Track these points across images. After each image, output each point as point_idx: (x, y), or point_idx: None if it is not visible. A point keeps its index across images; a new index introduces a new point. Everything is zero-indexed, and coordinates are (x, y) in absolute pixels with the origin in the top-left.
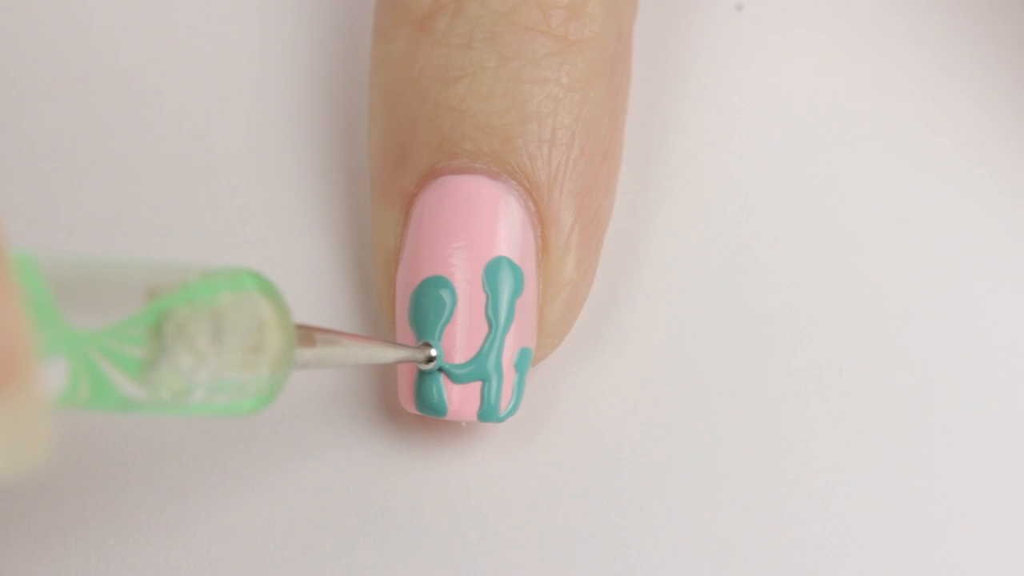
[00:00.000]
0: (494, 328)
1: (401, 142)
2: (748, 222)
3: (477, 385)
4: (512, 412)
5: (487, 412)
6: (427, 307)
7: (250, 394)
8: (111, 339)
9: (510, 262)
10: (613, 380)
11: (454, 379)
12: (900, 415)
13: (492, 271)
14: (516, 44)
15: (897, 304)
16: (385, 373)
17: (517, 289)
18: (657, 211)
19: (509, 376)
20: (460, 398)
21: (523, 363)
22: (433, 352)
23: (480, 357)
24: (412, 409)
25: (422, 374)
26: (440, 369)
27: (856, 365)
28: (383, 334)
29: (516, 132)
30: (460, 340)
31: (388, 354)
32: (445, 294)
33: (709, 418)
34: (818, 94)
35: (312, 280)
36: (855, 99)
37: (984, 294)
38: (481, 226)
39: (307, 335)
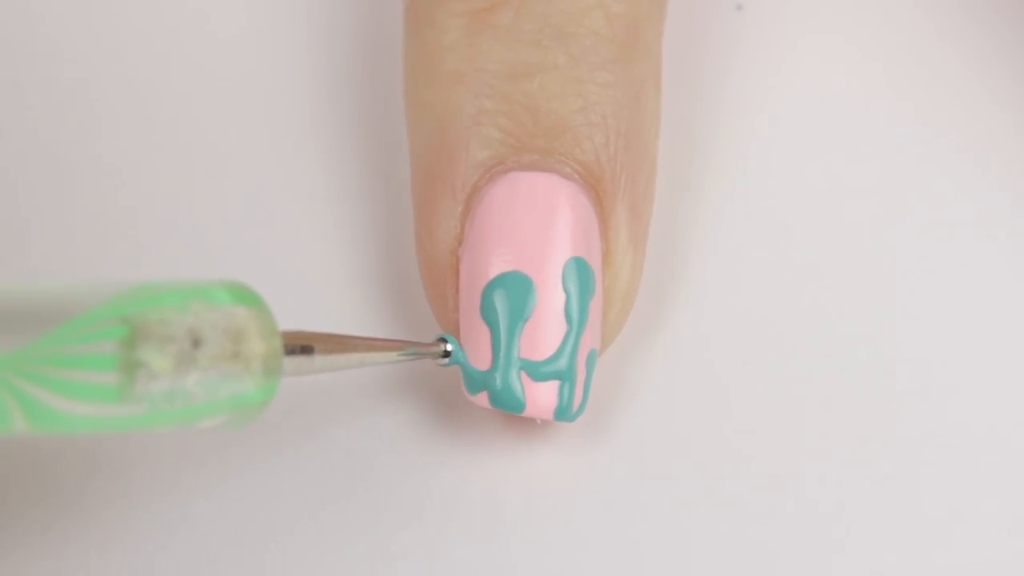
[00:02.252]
0: (572, 327)
1: (460, 134)
2: (745, 222)
3: (555, 383)
4: (581, 412)
5: (562, 411)
6: (507, 303)
7: (242, 400)
8: (33, 361)
9: (586, 263)
10: (624, 380)
11: (534, 376)
12: (900, 414)
13: (570, 271)
14: (585, 46)
15: (897, 303)
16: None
17: (590, 289)
18: (657, 211)
19: (581, 376)
20: (540, 395)
21: (591, 364)
22: (450, 347)
23: (560, 355)
24: (483, 403)
25: (503, 370)
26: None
27: (855, 364)
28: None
29: (586, 134)
30: (541, 337)
31: (399, 355)
32: (526, 290)
33: (702, 417)
34: (818, 94)
35: (318, 276)
36: (855, 99)
37: (985, 294)
38: (560, 225)
39: (305, 342)
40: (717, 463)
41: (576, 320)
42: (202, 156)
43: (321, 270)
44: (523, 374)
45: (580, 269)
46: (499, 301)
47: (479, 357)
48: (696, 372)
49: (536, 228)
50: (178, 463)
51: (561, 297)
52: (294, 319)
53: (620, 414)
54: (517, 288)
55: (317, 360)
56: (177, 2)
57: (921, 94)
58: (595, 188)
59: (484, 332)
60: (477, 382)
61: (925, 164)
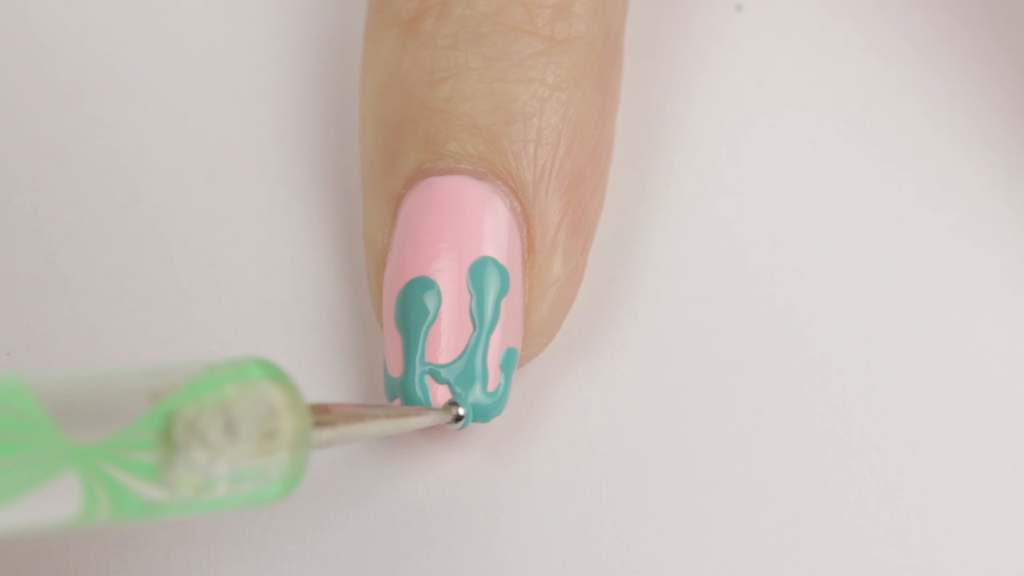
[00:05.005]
0: (479, 328)
1: (388, 144)
2: (746, 222)
3: None
4: (497, 412)
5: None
6: (412, 308)
7: (274, 479)
8: (120, 448)
9: (495, 262)
10: (606, 379)
11: (439, 379)
12: (899, 415)
13: (477, 271)
14: (501, 44)
15: (896, 303)
16: (374, 376)
17: (503, 289)
18: (656, 210)
19: (494, 376)
20: (445, 398)
21: (509, 363)
22: (462, 411)
23: (465, 357)
24: None
25: (407, 375)
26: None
27: (855, 365)
28: (377, 336)
29: (501, 132)
30: (444, 340)
31: (413, 421)
32: (430, 295)
33: (705, 417)
34: (817, 94)
35: (308, 283)
36: (855, 99)
37: (983, 293)
38: (466, 226)
39: (324, 413)
40: (712, 463)
41: (483, 320)
42: (192, 160)
43: (314, 273)
44: (429, 378)
45: (489, 269)
46: (407, 307)
47: (393, 364)
48: (688, 373)
49: (444, 232)
50: None
51: (466, 298)
52: (289, 320)
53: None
54: (423, 293)
55: (338, 432)
56: (168, 6)
57: (921, 94)
58: (510, 185)
59: (396, 339)
60: (392, 389)
61: (924, 163)
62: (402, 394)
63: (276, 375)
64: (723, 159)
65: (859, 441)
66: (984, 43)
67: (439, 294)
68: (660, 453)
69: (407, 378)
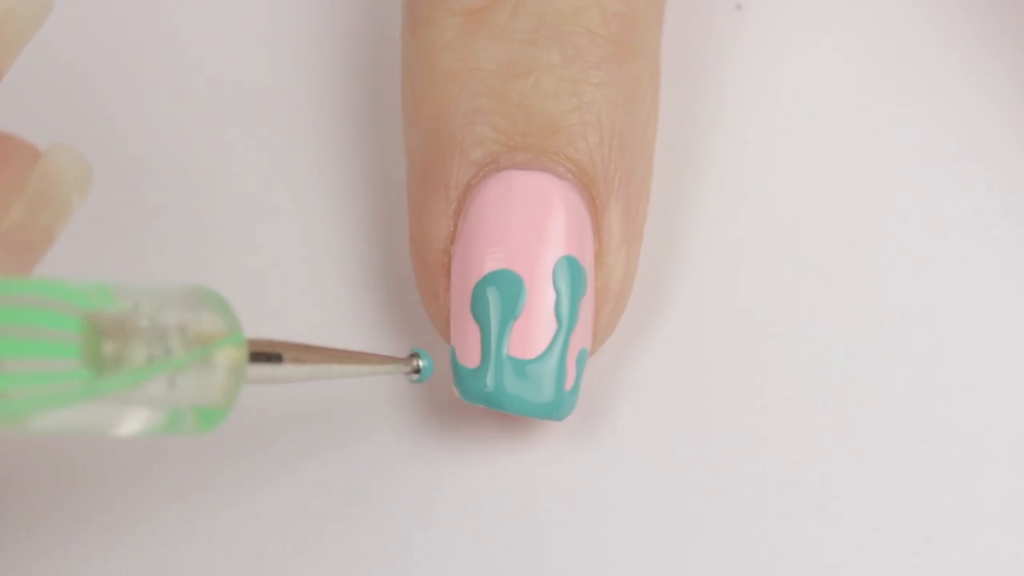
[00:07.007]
0: (562, 326)
1: (454, 133)
2: (744, 222)
3: None
4: (569, 411)
5: (550, 409)
6: (497, 301)
7: (208, 399)
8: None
9: (577, 262)
10: (625, 380)
11: (521, 374)
12: (899, 414)
13: (562, 270)
14: (581, 45)
15: (899, 303)
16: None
17: (581, 289)
18: (656, 210)
19: (571, 375)
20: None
21: (581, 363)
22: (422, 363)
23: (548, 354)
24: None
25: (485, 366)
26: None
27: (855, 364)
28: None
29: (580, 133)
30: (531, 335)
31: (370, 368)
32: (516, 289)
33: (706, 417)
34: (818, 94)
35: (315, 275)
36: (855, 98)
37: (984, 293)
38: (552, 224)
39: (271, 350)
40: (712, 462)
41: (566, 319)
42: (200, 154)
43: (317, 269)
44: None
45: (571, 268)
46: (489, 299)
47: (468, 355)
48: (691, 371)
49: (528, 227)
50: (181, 472)
51: (551, 296)
52: (291, 319)
53: (614, 413)
54: (507, 286)
55: (284, 369)
56: (177, 1)
57: (920, 93)
58: (588, 188)
59: (474, 330)
60: (466, 380)
61: (924, 163)
62: (487, 389)
63: (213, 303)
64: (721, 159)
65: (863, 439)
66: (984, 41)
67: (524, 289)
68: (654, 452)
69: (484, 369)
